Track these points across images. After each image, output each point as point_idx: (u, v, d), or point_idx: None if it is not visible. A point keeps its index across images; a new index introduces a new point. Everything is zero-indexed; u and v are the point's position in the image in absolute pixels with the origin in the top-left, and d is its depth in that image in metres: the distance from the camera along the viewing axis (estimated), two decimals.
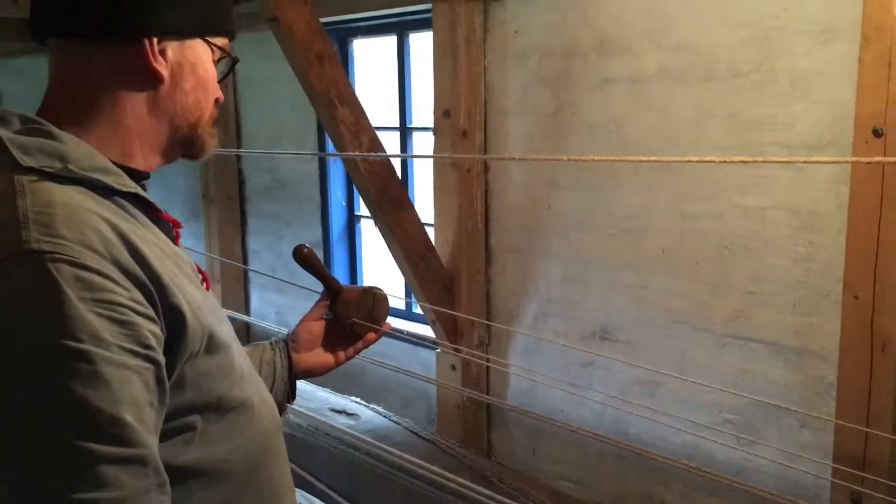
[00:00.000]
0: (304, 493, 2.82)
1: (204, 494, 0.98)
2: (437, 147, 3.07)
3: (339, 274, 4.00)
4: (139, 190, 0.97)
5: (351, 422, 2.75)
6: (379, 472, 2.42)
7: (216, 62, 1.08)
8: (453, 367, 3.16)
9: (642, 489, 2.85)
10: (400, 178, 3.15)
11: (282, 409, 1.36)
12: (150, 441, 0.86)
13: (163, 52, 1.01)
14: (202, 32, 1.04)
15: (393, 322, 3.80)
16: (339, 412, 2.83)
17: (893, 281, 2.04)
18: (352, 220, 4.00)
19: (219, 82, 1.10)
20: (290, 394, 1.38)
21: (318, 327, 1.40)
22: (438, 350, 3.22)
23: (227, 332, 1.04)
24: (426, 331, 3.29)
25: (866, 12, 2.03)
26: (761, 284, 2.46)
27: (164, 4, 1.01)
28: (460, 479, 2.05)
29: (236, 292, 4.43)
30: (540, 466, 3.15)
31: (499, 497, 1.92)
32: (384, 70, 3.73)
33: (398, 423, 2.75)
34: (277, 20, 2.51)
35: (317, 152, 3.19)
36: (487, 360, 3.19)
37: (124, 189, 0.95)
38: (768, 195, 2.41)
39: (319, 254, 3.92)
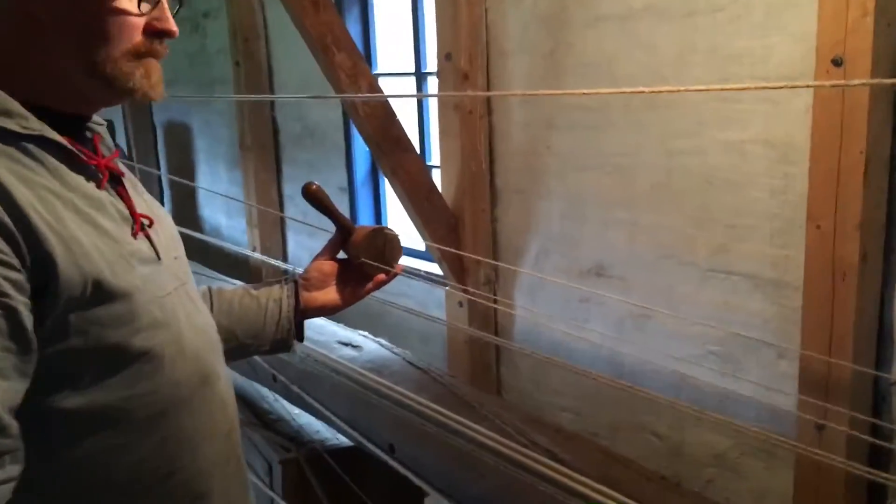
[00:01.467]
0: (312, 417, 3.04)
1: (94, 440, 1.00)
2: (441, 90, 3.15)
3: (364, 218, 4.15)
4: (45, 132, 0.98)
5: (354, 353, 2.90)
6: (373, 402, 2.57)
7: None
8: (460, 304, 3.28)
9: (635, 419, 2.94)
10: (415, 122, 3.25)
11: (287, 347, 1.43)
12: None
13: None
14: None
15: (407, 261, 3.98)
16: (346, 344, 2.99)
17: (854, 210, 2.05)
18: (375, 166, 4.13)
19: (146, 14, 1.03)
20: (298, 332, 1.41)
21: (329, 266, 1.41)
22: (448, 287, 3.35)
23: (133, 279, 1.01)
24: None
25: None
26: (741, 218, 2.49)
27: None
28: (435, 406, 2.18)
29: (273, 237, 4.64)
30: (544, 399, 3.27)
31: (471, 424, 2.05)
32: (402, 16, 3.81)
33: (398, 356, 2.90)
34: None
35: (318, 95, 3.31)
36: (495, 301, 3.31)
37: (27, 132, 0.96)
38: (747, 129, 2.42)
39: (345, 198, 4.09)
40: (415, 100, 3.69)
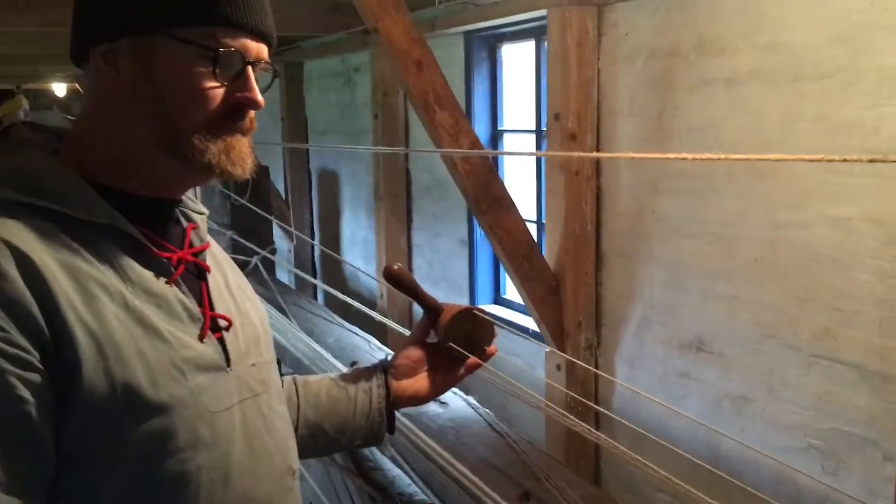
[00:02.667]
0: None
1: None
2: (548, 150, 3.12)
3: (482, 272, 4.15)
4: (115, 221, 0.91)
5: (439, 410, 2.90)
6: (441, 463, 2.55)
7: (214, 59, 0.92)
8: (558, 367, 3.19)
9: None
10: (534, 181, 3.22)
11: (378, 441, 1.32)
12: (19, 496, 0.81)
13: (113, 61, 0.93)
14: (154, 26, 0.91)
15: (514, 316, 3.93)
16: (434, 399, 2.99)
17: None
18: None
19: (229, 82, 0.94)
20: (390, 424, 1.29)
21: (419, 353, 1.29)
22: (548, 349, 3.28)
23: (179, 391, 0.91)
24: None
25: None
26: (847, 301, 2.26)
27: (103, 10, 0.94)
28: (473, 477, 2.15)
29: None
30: (641, 475, 3.09)
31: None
32: (526, 75, 3.82)
33: (481, 416, 2.86)
34: (377, 30, 2.72)
35: (418, 150, 3.36)
36: (596, 366, 3.19)
37: (91, 220, 0.90)
38: (855, 205, 2.21)
39: (465, 251, 4.12)
40: (534, 159, 3.67)
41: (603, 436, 3.13)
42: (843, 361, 2.30)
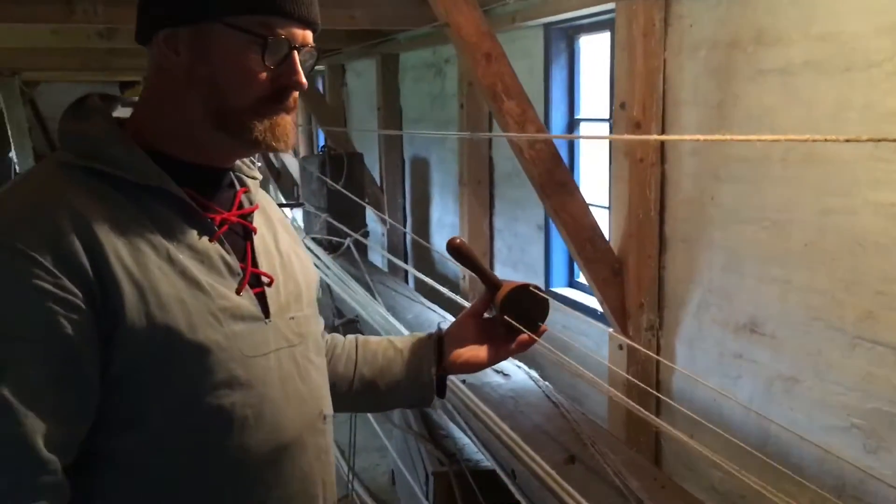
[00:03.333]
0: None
1: (149, 493, 1.01)
2: (614, 138, 3.25)
3: (557, 256, 4.31)
4: (164, 184, 1.02)
5: (501, 380, 3.09)
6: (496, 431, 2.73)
7: (264, 46, 1.02)
8: (620, 347, 3.33)
9: (778, 486, 2.80)
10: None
11: (427, 402, 1.39)
12: (33, 423, 0.89)
13: (174, 45, 1.03)
14: (211, 14, 1.01)
15: (580, 296, 4.13)
16: (498, 371, 3.18)
17: None
18: None
19: (275, 66, 1.04)
20: (440, 388, 1.37)
21: (472, 324, 1.36)
22: (611, 329, 3.42)
23: (215, 335, 1.01)
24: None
25: None
26: (889, 285, 2.32)
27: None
28: (520, 441, 2.33)
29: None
30: (697, 453, 3.20)
31: (538, 460, 2.18)
32: (602, 65, 3.94)
33: (539, 388, 3.03)
34: (448, 25, 2.93)
35: (482, 134, 3.54)
36: (658, 347, 3.31)
37: (143, 183, 1.01)
38: None
39: (541, 236, 4.29)
40: (607, 147, 3.79)
41: (657, 419, 3.26)
42: (885, 343, 2.36)
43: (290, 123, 1.09)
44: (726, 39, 2.86)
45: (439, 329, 1.40)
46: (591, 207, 3.38)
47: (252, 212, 1.14)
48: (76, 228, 0.94)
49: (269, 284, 1.12)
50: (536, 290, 1.32)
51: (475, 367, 1.37)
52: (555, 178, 3.11)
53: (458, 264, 1.41)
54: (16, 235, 0.91)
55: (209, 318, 1.01)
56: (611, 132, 3.81)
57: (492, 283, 1.32)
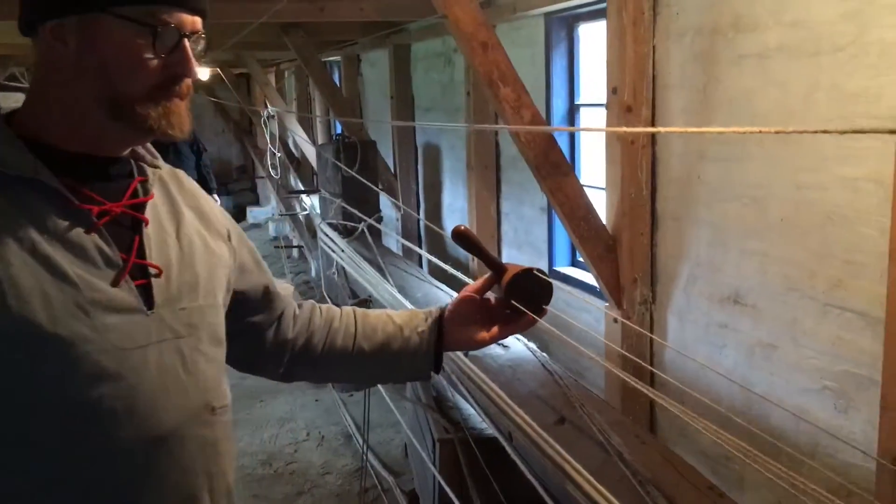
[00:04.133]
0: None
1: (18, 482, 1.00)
2: (607, 122, 3.42)
3: (560, 236, 4.48)
4: (40, 175, 1.03)
5: (501, 351, 3.28)
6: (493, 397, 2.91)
7: (154, 35, 1.04)
8: (615, 321, 3.51)
9: (759, 447, 2.97)
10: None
11: (424, 378, 1.48)
12: None
13: (61, 36, 1.03)
14: (99, 5, 1.02)
15: (577, 273, 4.33)
16: (498, 343, 3.37)
17: None
18: None
19: (166, 55, 1.05)
20: (437, 364, 1.41)
21: (473, 303, 1.39)
22: (607, 303, 3.60)
23: (80, 328, 1.00)
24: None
25: None
26: (855, 255, 2.49)
27: None
28: (514, 407, 2.52)
29: (491, 249, 5.13)
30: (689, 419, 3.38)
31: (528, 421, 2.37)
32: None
33: (537, 358, 3.22)
34: (447, 17, 3.11)
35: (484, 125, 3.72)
36: (651, 320, 3.49)
37: (13, 174, 1.02)
38: (861, 166, 2.43)
39: (544, 218, 4.46)
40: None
41: (648, 388, 3.43)
42: (853, 310, 2.52)
43: (184, 110, 1.10)
44: (709, 26, 3.02)
45: (440, 307, 1.43)
46: (589, 189, 3.55)
47: (144, 202, 1.13)
48: None
49: (158, 275, 1.11)
50: (540, 274, 1.36)
51: (476, 345, 1.43)
52: (549, 160, 3.29)
53: (464, 249, 1.42)
54: None
55: (75, 310, 1.00)
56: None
57: (497, 267, 1.37)
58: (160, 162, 1.20)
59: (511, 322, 1.41)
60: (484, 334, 1.40)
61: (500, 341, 3.41)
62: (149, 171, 1.17)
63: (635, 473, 2.31)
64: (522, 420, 2.64)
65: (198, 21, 1.09)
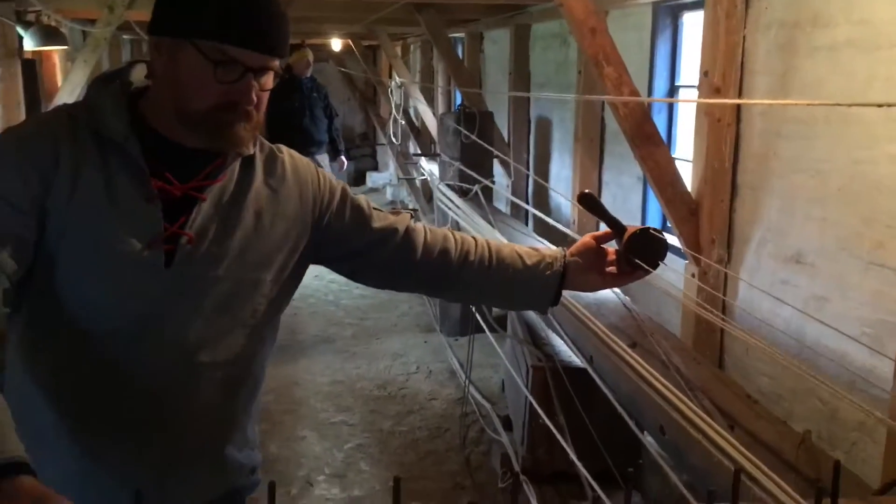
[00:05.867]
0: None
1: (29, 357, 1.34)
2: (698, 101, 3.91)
3: (652, 204, 4.97)
4: (127, 146, 1.28)
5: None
6: (578, 326, 3.46)
7: (214, 67, 1.25)
8: (693, 276, 4.01)
9: (808, 386, 3.45)
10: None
11: (544, 310, 1.61)
12: None
13: (158, 48, 1.29)
14: (185, 35, 1.25)
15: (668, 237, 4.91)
16: None
17: None
18: None
19: (227, 84, 1.27)
20: (556, 299, 1.56)
21: (592, 251, 1.52)
22: (686, 261, 4.10)
23: (116, 245, 1.26)
24: None
25: None
26: (894, 221, 2.93)
27: (162, 11, 1.30)
28: (605, 330, 3.07)
29: (588, 214, 5.65)
30: (750, 363, 3.87)
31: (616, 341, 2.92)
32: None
33: (619, 299, 3.75)
34: (562, 4, 3.67)
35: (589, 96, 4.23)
36: (725, 277, 3.97)
37: (106, 134, 1.28)
38: None
39: (639, 188, 4.98)
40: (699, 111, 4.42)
41: (723, 317, 3.93)
42: (891, 267, 2.97)
43: (241, 130, 1.31)
44: (791, 21, 3.47)
45: (564, 249, 1.56)
46: (681, 161, 4.05)
47: (207, 185, 1.33)
48: (49, 142, 1.26)
49: (189, 243, 1.30)
50: (657, 233, 1.47)
51: (591, 287, 1.58)
52: (643, 132, 3.81)
53: (588, 211, 1.56)
54: (18, 137, 1.29)
55: (108, 256, 1.27)
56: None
57: (617, 226, 1.50)
58: (247, 150, 1.39)
59: (626, 273, 1.52)
60: (601, 280, 1.54)
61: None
62: (230, 158, 1.37)
63: (687, 382, 2.85)
64: (602, 342, 3.21)
65: (268, 59, 1.29)
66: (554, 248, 1.59)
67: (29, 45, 5.32)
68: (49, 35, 5.38)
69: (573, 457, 3.35)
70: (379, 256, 1.52)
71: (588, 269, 1.53)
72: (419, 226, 1.57)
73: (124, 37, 9.67)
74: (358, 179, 14.48)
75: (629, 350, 3.02)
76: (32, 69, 6.21)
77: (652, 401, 2.74)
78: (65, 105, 1.35)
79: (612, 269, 1.53)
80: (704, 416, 2.34)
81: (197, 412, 1.37)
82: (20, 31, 5.40)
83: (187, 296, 1.31)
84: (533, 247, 1.59)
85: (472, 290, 1.63)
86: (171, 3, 1.29)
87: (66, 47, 5.81)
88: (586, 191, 1.58)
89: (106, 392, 1.30)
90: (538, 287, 1.55)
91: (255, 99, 1.29)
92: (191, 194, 1.31)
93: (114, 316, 1.28)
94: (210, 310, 1.33)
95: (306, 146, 7.64)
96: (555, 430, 3.68)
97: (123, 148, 1.27)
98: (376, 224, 1.51)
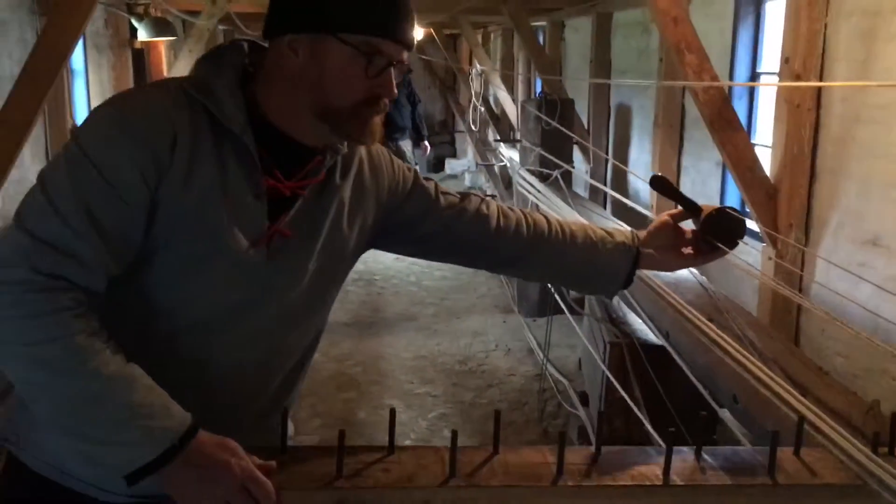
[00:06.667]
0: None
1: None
2: (779, 87, 4.01)
3: (731, 188, 5.07)
4: (244, 136, 1.23)
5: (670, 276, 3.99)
6: (660, 304, 3.63)
7: (368, 62, 1.22)
8: (770, 258, 4.12)
9: (882, 366, 3.55)
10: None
11: (615, 292, 1.62)
12: (83, 245, 1.13)
13: (294, 47, 1.23)
14: (329, 30, 1.21)
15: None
16: None
17: None
18: None
19: (373, 78, 1.24)
20: (628, 281, 1.56)
21: (669, 230, 1.51)
22: (765, 244, 4.21)
23: (226, 241, 1.22)
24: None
25: None
26: None
27: (297, 7, 1.23)
28: (685, 305, 3.23)
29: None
30: (825, 343, 3.97)
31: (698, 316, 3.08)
32: None
33: (694, 277, 3.89)
34: None
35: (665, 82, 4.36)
36: (803, 259, 4.07)
37: (225, 124, 1.22)
38: None
39: (718, 173, 5.09)
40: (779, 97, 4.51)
41: (799, 295, 4.03)
42: None
43: (377, 124, 1.30)
44: (872, 9, 3.55)
45: (636, 233, 1.55)
46: (760, 147, 4.15)
47: (309, 183, 1.32)
48: (168, 126, 1.19)
49: (285, 236, 1.29)
50: (734, 212, 1.47)
51: (669, 267, 1.60)
52: (723, 117, 3.93)
53: (661, 194, 1.57)
54: (133, 120, 1.19)
55: (218, 244, 1.23)
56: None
57: (692, 207, 1.49)
58: (346, 148, 1.37)
59: (704, 253, 1.52)
60: (679, 259, 1.53)
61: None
62: (329, 156, 1.34)
63: (761, 354, 2.99)
64: (679, 314, 3.36)
65: (404, 53, 1.28)
66: (628, 229, 1.59)
67: (143, 35, 5.74)
68: (161, 26, 5.79)
69: (648, 426, 3.52)
70: (449, 236, 1.52)
71: (666, 248, 1.52)
72: (492, 205, 1.56)
73: (220, 27, 10.13)
74: (437, 166, 14.76)
75: (706, 321, 3.18)
76: (141, 58, 6.66)
77: (727, 371, 2.89)
78: (177, 80, 1.28)
79: (689, 248, 1.52)
80: (778, 379, 2.49)
81: (261, 396, 1.39)
82: (134, 22, 5.82)
83: (279, 289, 1.31)
84: (607, 228, 1.58)
85: (545, 268, 1.62)
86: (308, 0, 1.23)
87: (174, 38, 6.22)
88: (658, 173, 1.60)
89: (177, 380, 1.23)
90: (612, 268, 1.54)
91: (396, 93, 1.29)
92: (297, 192, 1.30)
93: (204, 307, 1.26)
94: (297, 301, 1.34)
95: (390, 132, 7.94)
96: (631, 403, 3.86)
97: (240, 139, 1.23)
98: (444, 206, 1.51)
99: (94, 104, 6.91)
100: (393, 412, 1.42)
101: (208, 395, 1.27)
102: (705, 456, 1.52)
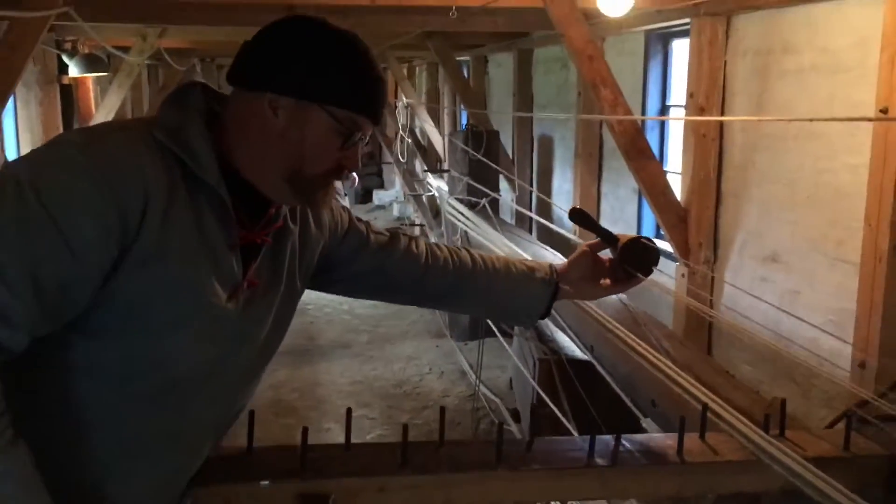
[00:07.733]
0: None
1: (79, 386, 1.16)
2: (686, 119, 4.37)
3: (647, 213, 5.43)
4: (219, 189, 1.18)
5: None
6: (584, 320, 3.90)
7: (347, 136, 1.21)
8: (683, 276, 4.45)
9: (785, 371, 3.88)
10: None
11: (533, 324, 1.77)
12: (14, 302, 1.02)
13: (275, 107, 1.19)
14: (317, 99, 1.19)
15: (661, 244, 5.33)
16: None
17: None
18: None
19: (344, 150, 1.22)
20: (546, 311, 1.59)
21: (588, 261, 1.55)
22: (677, 263, 4.55)
23: (208, 297, 1.18)
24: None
25: None
26: (852, 222, 3.38)
27: (284, 69, 1.19)
28: (608, 319, 3.50)
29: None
30: (733, 353, 4.31)
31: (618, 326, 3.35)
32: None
33: (618, 299, 4.18)
34: (563, 35, 4.14)
35: (584, 115, 4.71)
36: (712, 276, 4.41)
37: (200, 175, 1.17)
38: (861, 156, 3.32)
39: (634, 199, 5.43)
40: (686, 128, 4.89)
41: (710, 310, 4.36)
42: (851, 262, 3.42)
43: (333, 191, 1.32)
44: (765, 48, 3.94)
45: (553, 266, 1.59)
46: (672, 174, 4.50)
47: (274, 229, 1.31)
48: (140, 184, 1.10)
49: (252, 286, 1.27)
50: (648, 241, 1.52)
51: (591, 296, 1.66)
52: (637, 147, 4.26)
53: (580, 226, 1.62)
54: (102, 171, 1.08)
55: (194, 304, 1.19)
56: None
57: (609, 237, 1.53)
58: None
59: (621, 281, 1.55)
60: (598, 288, 1.56)
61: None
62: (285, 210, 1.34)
63: (675, 361, 3.26)
64: (603, 328, 3.61)
65: (371, 128, 1.28)
66: (548, 263, 1.63)
67: (74, 71, 5.79)
68: (92, 62, 5.86)
69: (575, 434, 3.77)
70: (380, 276, 1.55)
71: (585, 278, 1.56)
72: (422, 243, 1.59)
73: (145, 62, 10.18)
74: (364, 197, 14.94)
75: (627, 331, 3.44)
76: (69, 94, 6.69)
77: (645, 376, 3.15)
78: (142, 123, 1.21)
79: (607, 279, 1.56)
80: (691, 381, 2.77)
81: (223, 428, 1.42)
82: (65, 58, 5.87)
83: (249, 338, 1.30)
84: (528, 262, 1.63)
85: (468, 305, 1.69)
86: (297, 63, 1.19)
87: (106, 73, 6.29)
88: (576, 207, 1.70)
89: (143, 434, 1.22)
90: (531, 301, 1.59)
91: (358, 167, 1.29)
92: (264, 240, 1.29)
93: (182, 363, 1.22)
94: (263, 346, 1.34)
95: None
96: (559, 414, 4.11)
97: (214, 191, 1.19)
98: (376, 246, 1.53)
99: (24, 141, 6.97)
100: (349, 412, 1.62)
101: (170, 447, 1.27)
102: (624, 442, 1.76)
